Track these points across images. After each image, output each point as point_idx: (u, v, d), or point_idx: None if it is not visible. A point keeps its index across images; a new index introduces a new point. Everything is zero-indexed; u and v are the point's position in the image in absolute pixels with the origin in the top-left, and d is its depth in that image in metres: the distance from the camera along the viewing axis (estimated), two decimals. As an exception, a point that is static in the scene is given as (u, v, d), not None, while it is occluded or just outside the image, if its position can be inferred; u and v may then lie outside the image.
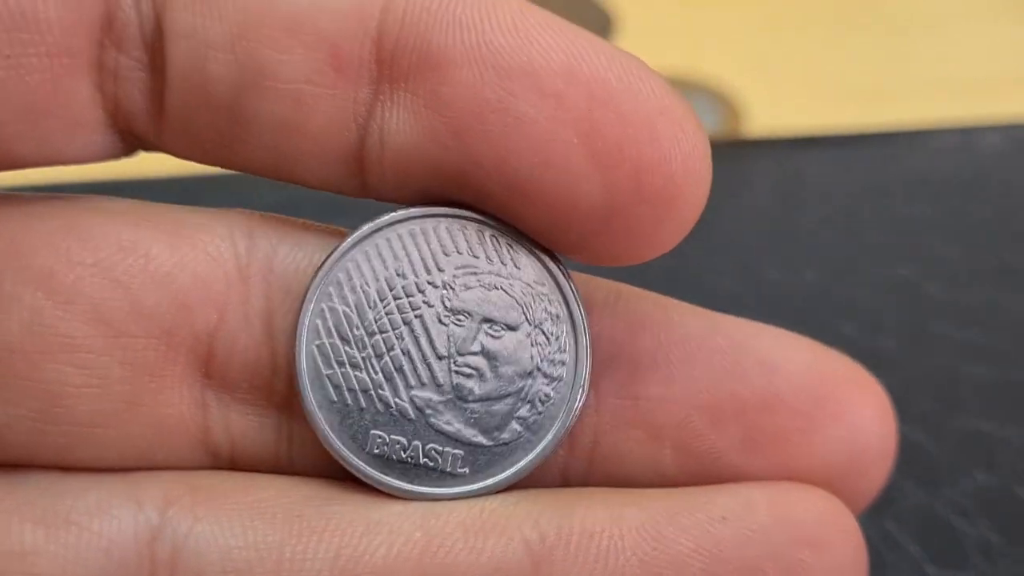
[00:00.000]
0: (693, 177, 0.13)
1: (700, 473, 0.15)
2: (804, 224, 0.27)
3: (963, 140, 0.30)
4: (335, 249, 0.14)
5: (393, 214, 0.14)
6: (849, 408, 0.15)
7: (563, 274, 0.14)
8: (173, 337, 0.14)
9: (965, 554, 0.20)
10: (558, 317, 0.14)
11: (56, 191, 0.15)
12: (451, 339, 0.14)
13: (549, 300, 0.14)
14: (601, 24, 0.39)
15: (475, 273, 0.14)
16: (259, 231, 0.14)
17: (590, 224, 0.13)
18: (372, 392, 0.14)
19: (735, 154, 0.29)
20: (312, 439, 0.14)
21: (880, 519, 0.21)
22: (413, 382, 0.14)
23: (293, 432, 0.15)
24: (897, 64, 0.39)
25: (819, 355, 0.15)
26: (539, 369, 0.14)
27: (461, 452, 0.14)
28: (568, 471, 0.15)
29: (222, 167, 0.14)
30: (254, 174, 0.14)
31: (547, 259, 0.14)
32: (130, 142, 0.14)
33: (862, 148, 0.29)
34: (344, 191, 0.14)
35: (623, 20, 0.39)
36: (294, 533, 0.14)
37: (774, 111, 0.36)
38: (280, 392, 0.14)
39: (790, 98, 0.37)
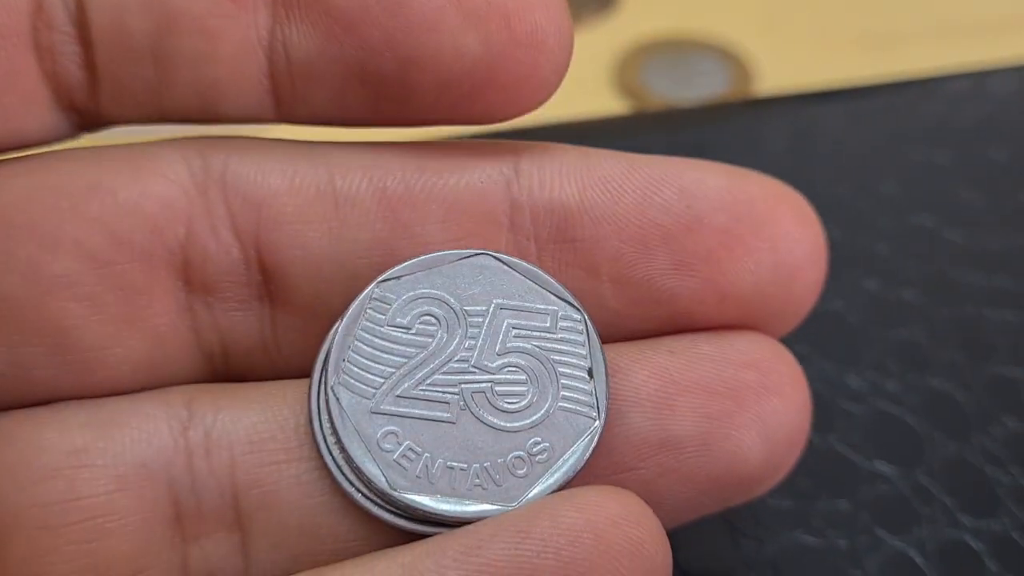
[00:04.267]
0: (555, 22, 0.15)
1: (638, 300, 0.16)
2: (820, 180, 0.26)
3: (976, 84, 0.30)
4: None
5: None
6: (769, 220, 0.16)
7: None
8: (151, 257, 0.16)
9: (999, 501, 0.20)
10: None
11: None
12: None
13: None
14: (605, -11, 0.39)
15: None
16: (208, 150, 0.16)
17: (477, 75, 0.15)
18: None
19: (747, 114, 0.29)
20: (297, 325, 0.16)
21: (912, 473, 0.21)
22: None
23: (276, 318, 0.16)
24: (906, 9, 0.39)
25: (736, 177, 0.16)
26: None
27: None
28: None
29: (157, 122, 0.16)
30: (184, 122, 0.16)
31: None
32: (75, 120, 0.16)
33: (874, 99, 0.29)
34: (265, 118, 0.16)
35: (627, -16, 0.39)
36: (301, 409, 0.16)
37: (784, 67, 0.36)
38: (256, 283, 0.16)
39: (800, 52, 0.37)
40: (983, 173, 0.27)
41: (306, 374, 0.16)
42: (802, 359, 0.22)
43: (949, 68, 0.31)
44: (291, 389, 0.16)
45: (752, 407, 0.16)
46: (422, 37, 0.15)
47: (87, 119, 0.16)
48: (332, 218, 0.16)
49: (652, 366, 0.16)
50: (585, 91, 0.35)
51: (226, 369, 0.17)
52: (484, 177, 0.16)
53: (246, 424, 0.15)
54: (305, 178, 0.16)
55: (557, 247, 0.16)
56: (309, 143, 0.16)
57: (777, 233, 0.16)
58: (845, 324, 0.23)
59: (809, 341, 0.23)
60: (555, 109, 0.30)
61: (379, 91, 0.15)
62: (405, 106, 0.16)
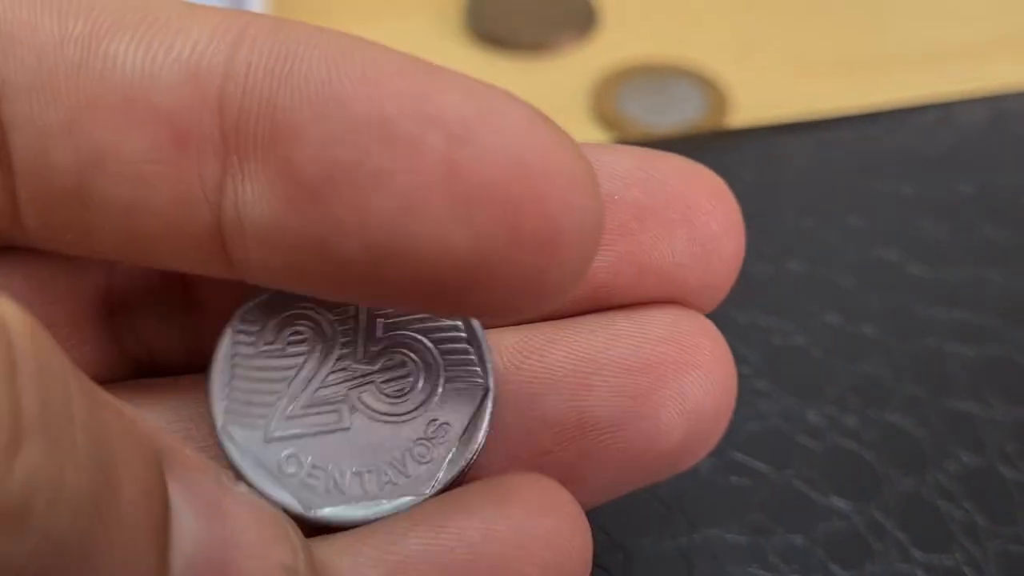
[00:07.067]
0: (576, 215, 0.12)
1: None
2: (787, 212, 0.27)
3: (946, 115, 0.30)
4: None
5: None
6: (681, 194, 0.16)
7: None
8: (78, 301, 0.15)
9: (952, 537, 0.21)
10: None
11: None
12: None
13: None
14: (584, 15, 0.39)
15: None
16: None
17: (464, 274, 0.13)
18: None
19: (717, 146, 0.29)
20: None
21: (867, 508, 0.21)
22: None
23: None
24: (887, 35, 0.39)
25: (646, 157, 0.16)
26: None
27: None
28: None
29: (85, 255, 0.14)
30: (117, 260, 0.15)
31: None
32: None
33: (844, 130, 0.29)
34: (212, 273, 0.14)
35: (606, 11, 0.39)
36: None
37: (762, 93, 0.37)
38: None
39: (778, 78, 0.37)
40: (949, 205, 0.27)
41: None
42: (763, 394, 0.23)
43: (924, 97, 0.31)
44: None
45: (671, 382, 0.15)
46: (399, 223, 0.12)
47: (12, 241, 0.15)
48: None
49: (569, 346, 0.15)
50: (560, 117, 0.35)
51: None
52: None
53: (159, 423, 0.15)
54: None
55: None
56: None
57: (690, 207, 0.16)
58: (807, 359, 0.24)
59: (770, 376, 0.23)
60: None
61: (343, 275, 0.13)
62: (376, 294, 0.14)
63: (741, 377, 0.23)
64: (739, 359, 0.23)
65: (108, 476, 0.10)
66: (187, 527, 0.12)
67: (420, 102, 0.12)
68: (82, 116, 0.13)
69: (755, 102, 0.36)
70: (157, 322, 0.16)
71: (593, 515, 0.21)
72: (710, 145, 0.29)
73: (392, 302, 0.14)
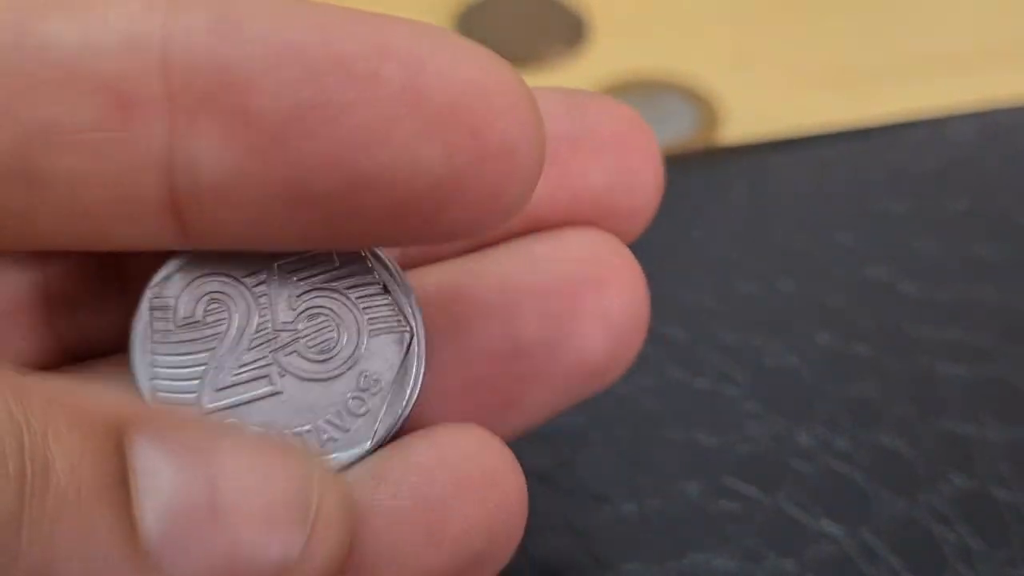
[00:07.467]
0: (528, 128, 0.14)
1: None
2: (777, 230, 0.27)
3: (937, 131, 0.30)
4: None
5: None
6: (602, 123, 0.17)
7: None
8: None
9: (944, 561, 0.20)
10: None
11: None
12: None
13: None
14: (572, 26, 0.39)
15: None
16: None
17: (438, 193, 0.13)
18: None
19: (705, 164, 0.29)
20: None
21: (858, 532, 0.21)
22: None
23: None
24: (884, 45, 0.39)
25: (565, 94, 0.17)
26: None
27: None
28: None
29: (25, 247, 0.14)
30: (73, 249, 0.14)
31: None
32: None
33: (836, 147, 0.29)
34: (163, 245, 0.14)
35: (594, 23, 0.39)
36: None
37: (754, 105, 0.36)
38: None
39: (771, 90, 0.37)
40: (940, 222, 0.27)
41: None
42: (754, 416, 0.23)
43: (919, 108, 0.31)
44: None
45: (592, 301, 0.16)
46: (372, 151, 0.13)
47: None
48: None
49: (494, 275, 0.16)
50: (551, 134, 0.35)
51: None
52: None
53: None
54: None
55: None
56: None
57: (606, 136, 0.17)
58: (798, 380, 0.23)
59: (760, 398, 0.23)
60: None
61: (315, 215, 0.14)
62: (348, 231, 0.14)
63: (730, 399, 0.23)
64: (728, 380, 0.23)
65: (33, 459, 0.11)
66: (161, 477, 0.12)
67: (375, 39, 0.13)
68: (21, 96, 0.13)
69: (747, 114, 0.36)
70: (93, 309, 0.16)
71: (582, 540, 0.20)
72: (700, 163, 0.29)
73: (366, 236, 0.15)
